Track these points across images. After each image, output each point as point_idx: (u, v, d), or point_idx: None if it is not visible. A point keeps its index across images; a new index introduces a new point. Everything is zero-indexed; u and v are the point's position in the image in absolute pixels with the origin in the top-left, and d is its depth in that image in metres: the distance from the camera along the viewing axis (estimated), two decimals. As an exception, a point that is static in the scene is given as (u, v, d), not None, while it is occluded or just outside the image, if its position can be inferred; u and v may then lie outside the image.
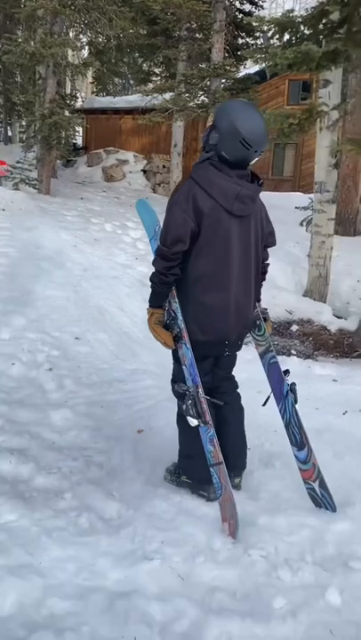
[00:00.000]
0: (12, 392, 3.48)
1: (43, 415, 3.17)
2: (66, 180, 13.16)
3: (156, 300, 2.30)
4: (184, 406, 2.21)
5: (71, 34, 11.52)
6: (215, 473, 2.19)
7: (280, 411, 2.48)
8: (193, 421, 2.19)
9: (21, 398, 3.33)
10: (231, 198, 2.12)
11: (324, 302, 5.90)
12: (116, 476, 2.61)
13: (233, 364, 2.54)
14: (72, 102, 13.91)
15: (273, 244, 2.46)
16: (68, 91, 15.02)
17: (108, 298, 5.24)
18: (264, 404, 2.47)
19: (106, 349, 4.30)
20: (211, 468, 2.20)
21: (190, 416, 2.18)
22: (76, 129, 12.27)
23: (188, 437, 2.34)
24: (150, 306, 2.31)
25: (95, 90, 17.92)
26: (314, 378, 4.08)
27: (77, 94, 17.38)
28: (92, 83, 17.17)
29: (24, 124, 12.30)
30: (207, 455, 2.21)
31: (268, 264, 2.52)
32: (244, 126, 2.04)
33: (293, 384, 2.42)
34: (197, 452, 2.26)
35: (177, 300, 2.27)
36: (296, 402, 2.41)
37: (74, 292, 5.23)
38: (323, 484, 2.35)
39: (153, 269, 2.26)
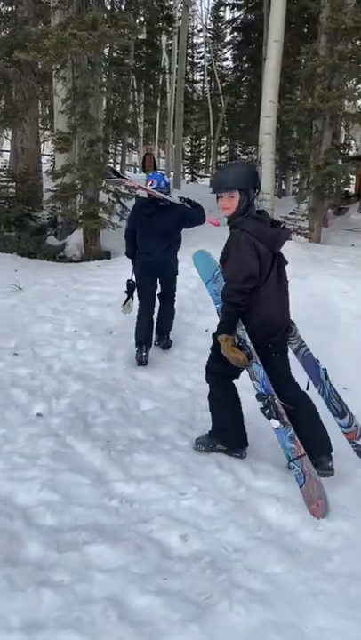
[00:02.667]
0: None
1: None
2: (337, 227, 13.09)
3: (230, 328, 2.76)
4: (267, 411, 2.68)
5: (349, 84, 11.64)
6: (298, 465, 2.63)
7: (319, 391, 3.01)
8: (275, 423, 2.65)
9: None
10: (274, 242, 2.90)
11: None
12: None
13: (288, 365, 3.04)
14: (346, 151, 13.93)
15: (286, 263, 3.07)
16: (343, 140, 15.10)
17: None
18: (307, 389, 2.96)
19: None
20: (291, 462, 2.66)
21: (273, 418, 2.66)
22: (350, 176, 12.16)
23: (223, 415, 3.06)
24: (226, 333, 2.74)
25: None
26: None
27: (352, 142, 17.42)
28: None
29: (298, 176, 12.76)
30: (287, 452, 2.67)
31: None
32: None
33: (325, 369, 3.04)
34: (232, 425, 3.04)
35: (243, 327, 2.78)
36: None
37: (345, 341, 5.06)
38: None
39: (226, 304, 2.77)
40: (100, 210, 8.63)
